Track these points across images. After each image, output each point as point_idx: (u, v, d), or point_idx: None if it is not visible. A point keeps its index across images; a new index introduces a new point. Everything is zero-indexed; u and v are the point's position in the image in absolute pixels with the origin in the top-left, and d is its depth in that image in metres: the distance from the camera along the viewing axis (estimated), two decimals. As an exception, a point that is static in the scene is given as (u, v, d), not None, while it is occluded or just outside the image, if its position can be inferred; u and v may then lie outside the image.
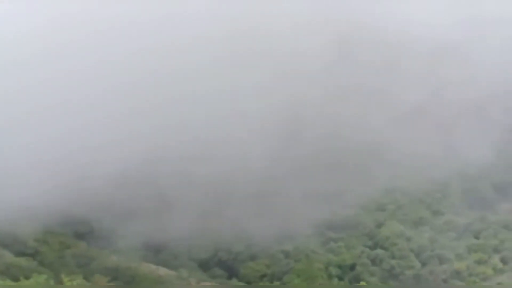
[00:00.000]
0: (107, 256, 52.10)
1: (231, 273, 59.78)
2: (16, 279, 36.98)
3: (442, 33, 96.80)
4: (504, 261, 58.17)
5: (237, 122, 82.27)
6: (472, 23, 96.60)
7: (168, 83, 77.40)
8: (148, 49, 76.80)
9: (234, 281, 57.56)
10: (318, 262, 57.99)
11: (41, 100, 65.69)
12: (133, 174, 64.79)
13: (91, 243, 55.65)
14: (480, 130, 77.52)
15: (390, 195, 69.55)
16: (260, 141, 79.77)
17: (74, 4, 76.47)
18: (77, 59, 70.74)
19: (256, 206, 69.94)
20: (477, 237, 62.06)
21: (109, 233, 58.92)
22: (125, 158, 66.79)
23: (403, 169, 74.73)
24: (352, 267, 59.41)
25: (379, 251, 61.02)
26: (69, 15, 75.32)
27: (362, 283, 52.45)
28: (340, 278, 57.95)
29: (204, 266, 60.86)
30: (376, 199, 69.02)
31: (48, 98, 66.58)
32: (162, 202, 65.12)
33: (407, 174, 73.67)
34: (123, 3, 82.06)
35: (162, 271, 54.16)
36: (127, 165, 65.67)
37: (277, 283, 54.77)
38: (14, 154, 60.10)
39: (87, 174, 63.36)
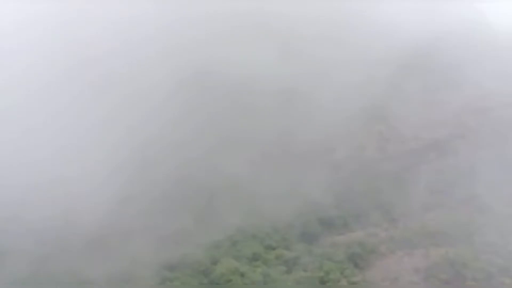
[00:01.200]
0: None
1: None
2: None
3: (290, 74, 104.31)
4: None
5: (79, 159, 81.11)
6: (313, 69, 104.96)
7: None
8: None
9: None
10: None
11: None
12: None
13: None
14: (312, 168, 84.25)
15: (225, 232, 72.45)
16: (105, 179, 79.31)
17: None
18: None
19: (96, 249, 69.35)
20: (305, 270, 66.64)
21: None
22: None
23: (243, 207, 79.10)
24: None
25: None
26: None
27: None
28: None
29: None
30: (212, 236, 71.50)
31: None
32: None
33: (243, 210, 77.98)
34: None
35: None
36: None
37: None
38: None
39: None
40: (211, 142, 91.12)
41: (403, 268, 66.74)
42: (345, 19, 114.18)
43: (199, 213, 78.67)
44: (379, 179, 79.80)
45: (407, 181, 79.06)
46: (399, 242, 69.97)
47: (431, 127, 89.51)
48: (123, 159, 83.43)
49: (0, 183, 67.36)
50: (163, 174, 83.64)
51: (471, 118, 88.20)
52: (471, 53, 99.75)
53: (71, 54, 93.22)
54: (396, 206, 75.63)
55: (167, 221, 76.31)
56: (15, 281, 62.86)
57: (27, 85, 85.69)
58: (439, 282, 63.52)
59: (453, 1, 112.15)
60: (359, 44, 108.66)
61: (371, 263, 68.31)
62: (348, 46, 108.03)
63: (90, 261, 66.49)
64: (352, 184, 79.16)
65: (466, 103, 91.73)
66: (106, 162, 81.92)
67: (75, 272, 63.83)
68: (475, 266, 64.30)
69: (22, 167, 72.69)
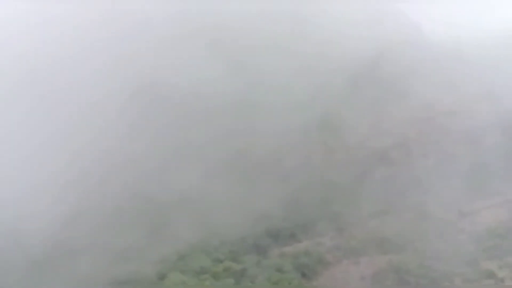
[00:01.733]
0: None
1: None
2: None
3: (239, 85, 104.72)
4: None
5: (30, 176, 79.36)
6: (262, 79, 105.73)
7: None
8: None
9: None
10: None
11: None
12: None
13: None
14: (261, 180, 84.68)
15: (175, 247, 71.77)
16: (56, 196, 77.79)
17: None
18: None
19: (44, 268, 67.79)
20: (253, 281, 66.51)
21: None
22: None
23: (194, 221, 78.69)
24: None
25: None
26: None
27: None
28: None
29: None
30: (162, 251, 70.70)
31: None
32: None
33: (194, 224, 77.61)
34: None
35: None
36: None
37: None
38: None
39: None
40: (163, 155, 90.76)
41: (350, 276, 67.99)
42: (294, 30, 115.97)
43: (150, 228, 77.88)
44: (326, 189, 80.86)
45: (353, 190, 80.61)
46: (346, 251, 71.34)
47: (377, 137, 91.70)
48: (74, 175, 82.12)
49: None
50: (115, 189, 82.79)
51: (414, 128, 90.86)
52: (415, 64, 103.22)
53: (20, 68, 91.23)
54: (342, 215, 76.83)
55: (118, 237, 75.30)
56: None
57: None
58: (384, 289, 65.43)
59: (396, 15, 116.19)
60: (308, 55, 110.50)
61: (318, 273, 69.18)
62: (297, 56, 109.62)
63: (36, 281, 64.85)
64: (299, 195, 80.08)
65: (409, 113, 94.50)
66: (57, 178, 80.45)
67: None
68: (419, 272, 65.91)
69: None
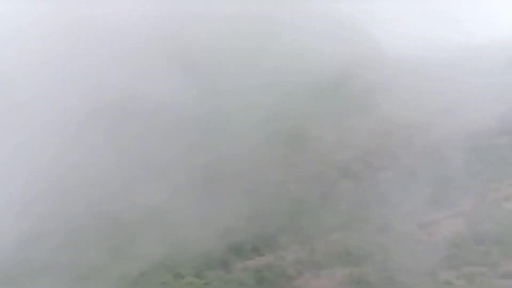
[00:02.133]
0: None
1: None
2: None
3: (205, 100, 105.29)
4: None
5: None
6: (229, 94, 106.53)
7: None
8: None
9: None
10: None
11: None
12: None
13: None
14: (225, 194, 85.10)
15: (133, 262, 71.55)
16: (17, 215, 77.08)
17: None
18: None
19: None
20: (216, 296, 67.23)
21: None
22: None
23: (159, 237, 78.53)
24: None
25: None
26: None
27: None
28: None
29: None
30: (124, 268, 70.45)
31: None
32: None
33: (158, 241, 77.52)
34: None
35: None
36: None
37: None
38: None
39: None
40: (127, 171, 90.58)
41: (311, 289, 69.30)
42: (260, 43, 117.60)
43: (114, 246, 76.98)
44: (289, 203, 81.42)
45: (315, 204, 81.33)
46: (307, 264, 71.79)
47: (339, 151, 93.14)
48: (36, 193, 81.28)
49: None
50: (78, 207, 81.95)
51: (375, 142, 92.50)
52: (377, 80, 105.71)
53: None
54: (305, 228, 77.29)
55: (80, 256, 74.41)
56: None
57: None
58: (344, 301, 66.33)
59: (357, 32, 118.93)
60: (272, 69, 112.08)
61: (280, 286, 69.58)
62: (262, 70, 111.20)
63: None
64: (262, 209, 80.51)
65: (371, 127, 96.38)
66: (18, 197, 79.49)
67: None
68: (379, 284, 67.36)
69: None
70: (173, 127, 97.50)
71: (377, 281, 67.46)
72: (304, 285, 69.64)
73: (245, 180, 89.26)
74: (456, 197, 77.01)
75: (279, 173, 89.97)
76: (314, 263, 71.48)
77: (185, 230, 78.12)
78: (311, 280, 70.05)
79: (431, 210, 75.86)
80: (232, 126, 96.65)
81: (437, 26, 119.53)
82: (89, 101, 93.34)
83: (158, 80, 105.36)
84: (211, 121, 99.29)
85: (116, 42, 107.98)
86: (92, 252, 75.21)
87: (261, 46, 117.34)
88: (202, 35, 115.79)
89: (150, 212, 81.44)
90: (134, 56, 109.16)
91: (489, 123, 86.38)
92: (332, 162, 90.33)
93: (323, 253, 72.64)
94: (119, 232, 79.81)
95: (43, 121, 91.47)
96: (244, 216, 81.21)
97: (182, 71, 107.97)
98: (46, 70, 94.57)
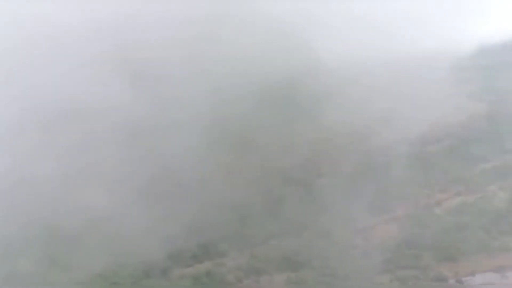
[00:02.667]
0: None
1: None
2: None
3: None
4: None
5: None
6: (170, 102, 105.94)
7: None
8: None
9: None
10: None
11: None
12: None
13: None
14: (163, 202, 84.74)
15: (69, 272, 70.45)
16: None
17: None
18: None
19: None
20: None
21: None
22: None
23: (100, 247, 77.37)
24: None
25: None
26: None
27: None
28: None
29: None
30: (54, 277, 69.29)
31: None
32: None
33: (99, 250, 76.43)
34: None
35: None
36: None
37: None
38: None
39: None
40: (68, 177, 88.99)
41: (249, 295, 69.77)
42: (204, 52, 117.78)
43: (51, 255, 75.53)
44: (228, 209, 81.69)
45: (255, 210, 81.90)
46: (246, 271, 72.43)
47: (281, 158, 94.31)
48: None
49: None
50: (19, 215, 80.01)
51: (314, 149, 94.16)
52: (323, 88, 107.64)
53: None
54: (244, 235, 77.90)
55: (15, 267, 72.62)
56: None
57: None
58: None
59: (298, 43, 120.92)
60: (219, 75, 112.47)
61: (219, 293, 70.70)
62: (208, 77, 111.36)
63: None
64: (201, 215, 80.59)
65: (311, 135, 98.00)
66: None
67: None
68: (316, 289, 68.98)
69: None
70: (116, 133, 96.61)
71: (316, 286, 68.86)
72: (243, 291, 70.40)
73: (188, 187, 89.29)
74: (390, 203, 79.42)
75: (221, 179, 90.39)
76: (254, 269, 72.13)
77: (126, 239, 77.38)
78: (251, 286, 70.69)
79: (367, 216, 78.00)
80: (176, 133, 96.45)
81: (379, 37, 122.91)
82: (25, 104, 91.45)
83: (103, 85, 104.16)
84: (155, 127, 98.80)
85: (58, 46, 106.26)
86: (27, 262, 73.57)
87: (207, 53, 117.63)
88: (148, 41, 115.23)
89: (90, 220, 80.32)
90: (78, 61, 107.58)
91: (422, 131, 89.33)
92: (274, 169, 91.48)
93: (262, 259, 73.43)
94: (57, 241, 78.39)
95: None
96: (185, 223, 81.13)
97: (128, 77, 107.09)
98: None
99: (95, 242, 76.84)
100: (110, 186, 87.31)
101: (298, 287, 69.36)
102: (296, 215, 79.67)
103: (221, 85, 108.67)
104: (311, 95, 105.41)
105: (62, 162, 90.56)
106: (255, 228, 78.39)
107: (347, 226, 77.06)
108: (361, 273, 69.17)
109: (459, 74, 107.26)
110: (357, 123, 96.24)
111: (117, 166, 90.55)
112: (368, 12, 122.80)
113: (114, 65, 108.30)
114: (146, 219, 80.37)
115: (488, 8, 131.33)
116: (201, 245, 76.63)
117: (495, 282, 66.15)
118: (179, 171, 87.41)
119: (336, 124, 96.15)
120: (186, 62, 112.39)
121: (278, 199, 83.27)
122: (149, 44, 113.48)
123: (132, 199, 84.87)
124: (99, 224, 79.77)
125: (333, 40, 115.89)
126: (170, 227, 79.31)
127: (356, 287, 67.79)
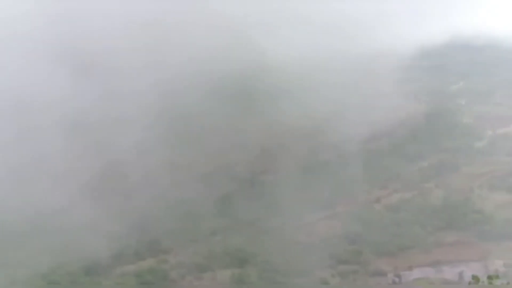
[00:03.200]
0: None
1: None
2: None
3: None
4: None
5: None
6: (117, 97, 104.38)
7: None
8: None
9: None
10: None
11: None
12: None
13: None
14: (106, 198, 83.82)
15: (7, 270, 68.77)
16: None
17: None
18: None
19: None
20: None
21: None
22: None
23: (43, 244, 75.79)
24: None
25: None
26: None
27: None
28: None
29: None
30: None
31: None
32: None
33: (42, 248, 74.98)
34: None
35: None
36: None
37: None
38: None
39: None
40: (14, 173, 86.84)
41: (193, 292, 69.73)
42: (158, 45, 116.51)
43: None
44: (171, 206, 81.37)
45: (197, 206, 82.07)
46: (189, 267, 72.33)
47: (222, 154, 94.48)
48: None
49: None
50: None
51: (259, 145, 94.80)
52: (275, 85, 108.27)
53: None
54: (186, 232, 77.90)
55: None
56: None
57: None
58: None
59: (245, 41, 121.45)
60: (171, 70, 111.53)
61: (161, 290, 70.35)
62: (159, 72, 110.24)
63: None
64: (144, 212, 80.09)
65: (257, 131, 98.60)
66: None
67: None
68: (260, 285, 69.00)
69: None
70: (61, 127, 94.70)
71: (258, 282, 69.28)
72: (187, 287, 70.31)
73: (133, 183, 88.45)
74: (330, 199, 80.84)
75: (167, 176, 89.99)
76: (196, 266, 72.09)
77: (69, 235, 76.01)
78: (194, 283, 70.52)
79: (310, 212, 79.18)
80: (122, 127, 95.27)
81: (324, 38, 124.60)
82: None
83: (48, 78, 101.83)
84: (101, 122, 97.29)
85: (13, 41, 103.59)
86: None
87: (155, 45, 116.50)
88: (95, 32, 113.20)
89: (32, 216, 78.48)
90: (21, 53, 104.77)
91: (363, 130, 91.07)
92: (220, 165, 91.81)
93: (205, 256, 73.50)
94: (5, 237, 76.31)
95: None
96: (129, 219, 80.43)
97: (74, 69, 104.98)
98: None
99: (38, 239, 75.26)
100: (55, 181, 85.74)
101: (242, 283, 70.00)
102: (241, 211, 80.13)
103: (169, 80, 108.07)
104: (258, 93, 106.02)
105: (5, 156, 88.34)
106: (199, 225, 78.64)
107: (290, 222, 78.13)
108: (303, 268, 70.25)
109: (401, 74, 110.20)
110: (304, 121, 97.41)
111: (61, 161, 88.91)
112: (314, 13, 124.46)
113: (59, 57, 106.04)
114: (90, 215, 79.20)
115: (431, 10, 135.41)
116: (144, 242, 76.07)
117: (431, 277, 68.60)
118: (125, 166, 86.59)
119: (282, 123, 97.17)
120: (135, 55, 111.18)
121: (224, 195, 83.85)
122: (96, 36, 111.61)
123: (76, 195, 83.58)
124: (42, 220, 78.27)
125: (281, 40, 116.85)
126: (114, 224, 78.49)
127: (299, 283, 68.89)
